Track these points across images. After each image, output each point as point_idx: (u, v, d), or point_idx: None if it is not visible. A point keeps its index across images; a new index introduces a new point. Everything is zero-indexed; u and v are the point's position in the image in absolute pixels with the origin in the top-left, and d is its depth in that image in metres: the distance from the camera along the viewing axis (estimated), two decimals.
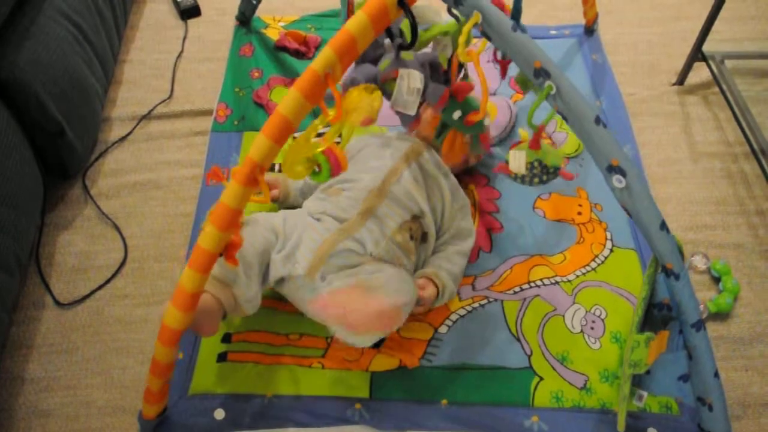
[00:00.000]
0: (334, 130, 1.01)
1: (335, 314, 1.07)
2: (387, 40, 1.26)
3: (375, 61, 1.22)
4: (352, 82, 1.19)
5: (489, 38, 1.00)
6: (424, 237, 1.31)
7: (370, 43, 1.14)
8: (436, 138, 1.25)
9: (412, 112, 1.16)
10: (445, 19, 1.34)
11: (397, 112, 1.19)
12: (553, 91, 0.98)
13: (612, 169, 0.98)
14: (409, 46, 1.12)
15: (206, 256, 0.96)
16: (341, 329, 1.09)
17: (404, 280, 1.17)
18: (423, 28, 1.28)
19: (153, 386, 1.08)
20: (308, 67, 0.94)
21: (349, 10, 1.30)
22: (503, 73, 1.43)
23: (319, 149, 1.01)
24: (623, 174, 0.98)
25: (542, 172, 1.20)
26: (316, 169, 1.02)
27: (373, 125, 1.60)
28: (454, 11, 1.25)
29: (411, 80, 1.15)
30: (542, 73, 0.98)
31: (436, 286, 1.26)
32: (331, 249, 1.19)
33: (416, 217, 1.28)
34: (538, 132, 1.15)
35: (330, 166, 1.01)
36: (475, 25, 1.00)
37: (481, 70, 1.07)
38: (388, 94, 1.19)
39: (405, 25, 1.24)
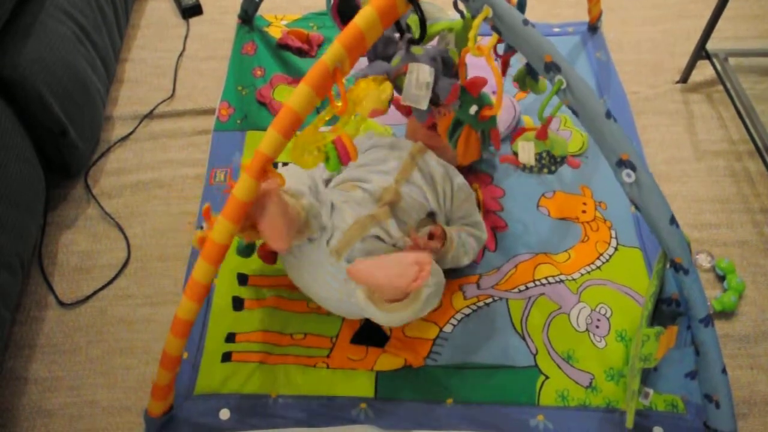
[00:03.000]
0: (343, 121, 1.03)
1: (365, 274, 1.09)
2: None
3: (388, 59, 1.22)
4: (364, 78, 1.18)
5: (499, 33, 1.00)
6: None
7: (383, 40, 1.14)
8: (449, 138, 1.25)
9: (423, 107, 1.16)
10: (449, 15, 1.34)
11: (413, 108, 1.19)
12: (564, 86, 0.97)
13: (622, 164, 0.98)
14: (418, 41, 1.12)
15: (218, 248, 0.96)
16: (372, 308, 1.11)
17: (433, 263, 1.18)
18: (428, 23, 1.28)
19: (161, 380, 1.08)
20: (319, 61, 0.95)
21: None
22: (504, 69, 1.43)
23: (329, 139, 1.03)
24: (633, 168, 0.98)
25: (550, 162, 1.20)
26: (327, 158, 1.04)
27: (378, 127, 1.61)
28: (460, 7, 1.25)
29: (420, 74, 1.15)
30: (553, 68, 0.98)
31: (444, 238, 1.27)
32: (361, 233, 1.19)
33: (431, 214, 1.31)
34: (546, 123, 1.15)
35: (338, 154, 1.03)
36: (485, 19, 0.99)
37: (494, 64, 1.07)
38: (399, 89, 1.19)
39: (412, 20, 1.24)
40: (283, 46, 1.84)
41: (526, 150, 1.17)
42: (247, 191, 0.96)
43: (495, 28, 1.00)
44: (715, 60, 1.70)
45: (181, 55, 1.88)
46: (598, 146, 1.00)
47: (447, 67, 1.19)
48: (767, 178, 1.57)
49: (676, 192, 1.58)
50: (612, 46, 1.88)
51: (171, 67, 1.84)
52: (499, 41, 1.26)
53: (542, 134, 1.16)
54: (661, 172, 1.61)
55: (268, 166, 0.96)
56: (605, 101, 1.73)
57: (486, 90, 1.19)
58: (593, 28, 1.90)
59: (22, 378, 1.27)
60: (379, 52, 1.24)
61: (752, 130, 1.57)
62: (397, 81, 1.17)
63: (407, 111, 1.36)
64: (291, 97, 0.94)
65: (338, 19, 1.41)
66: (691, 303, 1.02)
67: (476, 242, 1.35)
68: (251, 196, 0.97)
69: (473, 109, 1.14)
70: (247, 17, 1.91)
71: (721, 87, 1.71)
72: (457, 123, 1.19)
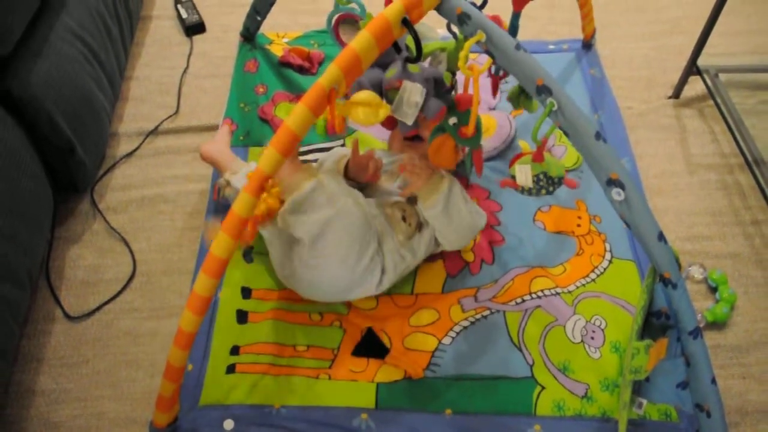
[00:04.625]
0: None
1: None
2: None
3: (384, 66, 1.26)
4: (359, 86, 1.22)
5: (492, 56, 1.04)
6: (420, 227, 1.36)
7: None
8: (429, 139, 1.31)
9: (410, 122, 1.21)
10: (441, 34, 1.38)
11: (398, 120, 1.24)
12: (555, 108, 1.01)
13: (611, 183, 1.01)
14: (415, 60, 1.16)
15: (219, 263, 1.00)
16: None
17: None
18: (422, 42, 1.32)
19: (165, 392, 1.11)
20: (316, 83, 0.98)
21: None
22: (494, 89, 1.46)
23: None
24: (622, 187, 1.01)
25: (548, 183, 1.24)
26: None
27: (377, 142, 1.65)
28: (453, 28, 1.29)
29: (412, 94, 1.19)
30: (544, 91, 1.01)
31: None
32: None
33: (411, 200, 1.36)
34: (541, 145, 1.18)
35: (325, 125, 1.10)
36: (478, 42, 1.03)
37: (478, 88, 1.11)
38: (390, 101, 1.23)
39: (410, 39, 1.28)
40: (284, 63, 1.88)
41: (524, 173, 1.21)
42: (246, 207, 1.00)
43: (488, 52, 1.04)
44: (705, 76, 1.75)
45: (184, 72, 1.92)
46: (588, 166, 1.03)
47: (438, 88, 1.23)
48: (758, 190, 1.60)
49: (669, 205, 1.61)
50: (606, 62, 1.92)
51: (175, 85, 1.88)
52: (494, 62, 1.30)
53: (538, 157, 1.20)
54: (655, 186, 1.65)
55: (266, 184, 1.00)
56: (599, 117, 1.77)
57: (482, 110, 1.23)
58: (587, 45, 1.94)
59: (30, 390, 1.29)
60: (377, 59, 1.28)
61: (742, 144, 1.61)
62: (389, 93, 1.22)
63: (391, 125, 1.41)
64: (289, 117, 0.98)
65: (339, 38, 1.46)
66: (680, 316, 1.06)
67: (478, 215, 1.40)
68: (250, 212, 1.01)
69: (452, 120, 1.19)
70: (249, 35, 1.95)
71: (712, 102, 1.75)
72: (440, 128, 1.24)
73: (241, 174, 1.44)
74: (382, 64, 1.29)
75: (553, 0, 2.11)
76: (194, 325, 1.03)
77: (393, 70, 1.24)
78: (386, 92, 1.24)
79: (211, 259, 1.00)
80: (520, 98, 1.46)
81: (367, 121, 1.16)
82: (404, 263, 1.34)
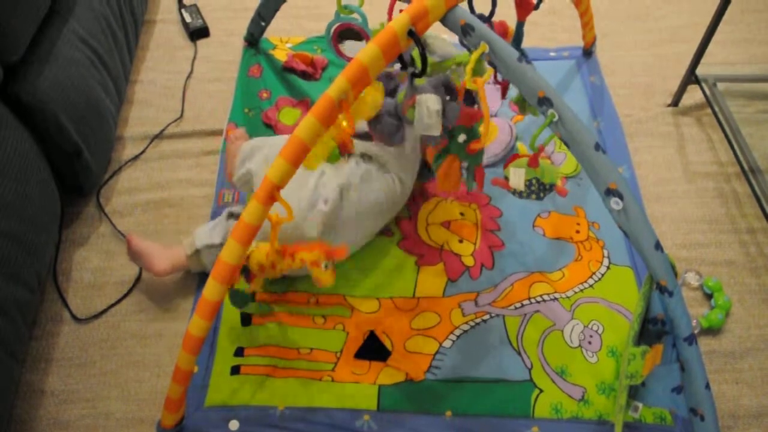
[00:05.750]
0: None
1: None
2: (397, 66, 1.31)
3: (391, 94, 1.28)
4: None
5: (495, 67, 1.07)
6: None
7: (384, 75, 1.20)
8: (433, 163, 1.31)
9: (437, 133, 1.20)
10: (455, 51, 1.39)
11: (424, 136, 1.24)
12: (556, 119, 1.03)
13: (610, 192, 1.04)
14: (420, 74, 1.17)
15: (228, 268, 1.02)
16: None
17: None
18: (436, 58, 1.33)
19: (173, 394, 1.13)
20: (324, 94, 1.00)
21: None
22: (503, 94, 1.49)
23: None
24: (620, 197, 1.03)
25: (539, 189, 1.27)
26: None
27: None
28: (465, 42, 1.31)
29: (429, 104, 1.20)
30: (545, 102, 1.04)
31: None
32: None
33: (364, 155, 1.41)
34: (537, 152, 1.21)
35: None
36: (483, 54, 1.06)
37: (485, 99, 1.13)
38: (410, 122, 1.23)
39: (416, 53, 1.29)
40: (288, 68, 1.90)
41: (517, 176, 1.23)
42: (255, 216, 1.02)
43: (492, 64, 1.06)
44: (704, 85, 1.77)
45: (189, 76, 1.93)
46: (588, 175, 1.06)
47: (450, 92, 1.24)
48: (754, 199, 1.62)
49: (666, 212, 1.64)
50: (606, 69, 1.95)
51: (179, 89, 1.90)
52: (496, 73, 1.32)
53: (533, 162, 1.23)
54: (653, 193, 1.67)
55: (276, 193, 1.02)
56: (599, 124, 1.79)
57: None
58: (588, 52, 1.97)
59: (39, 390, 1.32)
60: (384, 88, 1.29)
61: (739, 153, 1.63)
62: (407, 116, 1.23)
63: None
64: (299, 127, 1.00)
65: (337, 48, 1.47)
66: (676, 323, 1.08)
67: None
68: (260, 221, 1.03)
69: (462, 137, 1.20)
70: (253, 40, 1.97)
71: (710, 110, 1.77)
72: (445, 150, 1.25)
73: (210, 224, 1.45)
74: (389, 92, 1.31)
75: (555, 8, 2.13)
76: (204, 330, 1.06)
77: (403, 92, 1.25)
78: (404, 116, 1.24)
79: (221, 265, 1.03)
80: (525, 103, 1.48)
81: (374, 110, 1.18)
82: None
